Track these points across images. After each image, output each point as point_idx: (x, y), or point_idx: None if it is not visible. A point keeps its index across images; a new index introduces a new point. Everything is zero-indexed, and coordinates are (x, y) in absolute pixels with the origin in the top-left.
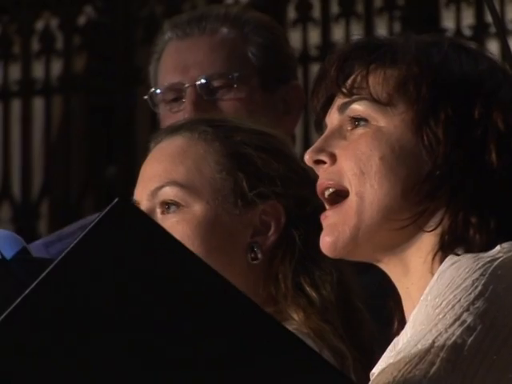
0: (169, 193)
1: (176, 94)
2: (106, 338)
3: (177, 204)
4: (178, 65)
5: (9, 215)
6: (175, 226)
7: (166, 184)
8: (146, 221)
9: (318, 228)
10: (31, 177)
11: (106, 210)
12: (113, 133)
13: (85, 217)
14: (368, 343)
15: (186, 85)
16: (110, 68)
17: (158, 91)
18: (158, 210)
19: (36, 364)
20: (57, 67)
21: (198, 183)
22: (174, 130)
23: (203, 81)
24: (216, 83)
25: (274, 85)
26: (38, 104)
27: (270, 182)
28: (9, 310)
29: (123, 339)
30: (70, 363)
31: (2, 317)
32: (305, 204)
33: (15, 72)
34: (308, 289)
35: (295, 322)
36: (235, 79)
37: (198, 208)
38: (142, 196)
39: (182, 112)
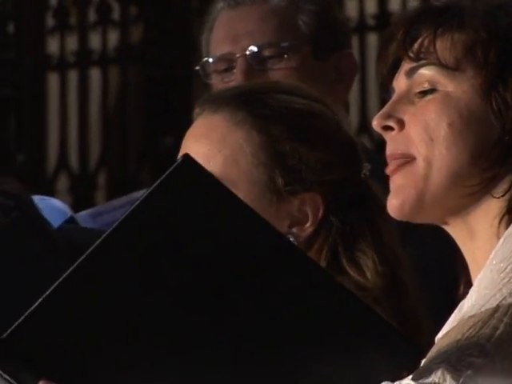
0: None
1: (227, 64)
2: (165, 298)
3: None
4: (228, 34)
5: (66, 186)
6: None
7: None
8: (211, 180)
9: (360, 210)
10: (88, 147)
11: (171, 168)
12: (170, 103)
13: (142, 187)
14: (414, 319)
15: (237, 55)
16: (167, 38)
17: (210, 61)
18: None
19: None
20: (113, 38)
21: (235, 176)
22: (216, 106)
23: (254, 50)
24: (267, 53)
25: (326, 53)
26: (95, 75)
27: (308, 173)
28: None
29: (185, 300)
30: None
31: (70, 271)
32: (347, 185)
33: (72, 43)
34: (353, 275)
35: None
36: (286, 49)
37: None
38: None
39: (234, 82)
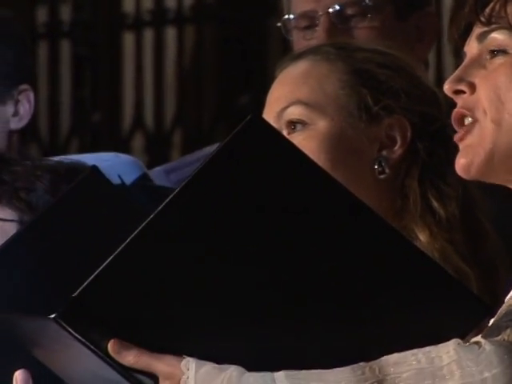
0: (294, 112)
1: (309, 21)
2: (233, 257)
3: (302, 122)
4: None
5: (142, 144)
6: (301, 143)
7: (291, 104)
8: (279, 137)
9: (445, 144)
10: (164, 106)
11: (240, 126)
12: (245, 62)
13: None
14: (491, 259)
15: (320, 12)
16: None
17: (292, 18)
18: (285, 131)
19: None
20: None
21: (322, 101)
22: (298, 55)
23: (337, 8)
24: (350, 11)
25: (408, 12)
26: (171, 34)
27: (394, 96)
28: (150, 217)
29: (255, 257)
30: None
31: (141, 226)
32: (431, 121)
33: (148, 2)
34: (435, 203)
35: (420, 241)
36: (369, 7)
37: (322, 124)
38: (268, 119)
39: (316, 40)
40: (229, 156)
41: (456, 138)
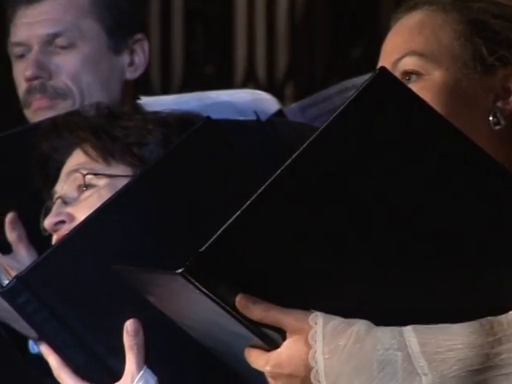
0: (408, 62)
1: None
2: (365, 209)
3: (417, 73)
4: None
5: None
6: None
7: (406, 54)
8: (406, 91)
9: None
10: (276, 59)
11: (367, 80)
12: (358, 14)
13: (329, 99)
14: None
15: None
16: None
17: None
18: None
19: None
20: None
21: (437, 51)
22: (413, 6)
23: None
24: None
25: None
26: None
27: (509, 46)
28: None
29: (383, 211)
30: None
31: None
32: None
33: None
34: None
35: None
36: None
37: (437, 75)
38: None
39: None
40: (357, 110)
41: None
